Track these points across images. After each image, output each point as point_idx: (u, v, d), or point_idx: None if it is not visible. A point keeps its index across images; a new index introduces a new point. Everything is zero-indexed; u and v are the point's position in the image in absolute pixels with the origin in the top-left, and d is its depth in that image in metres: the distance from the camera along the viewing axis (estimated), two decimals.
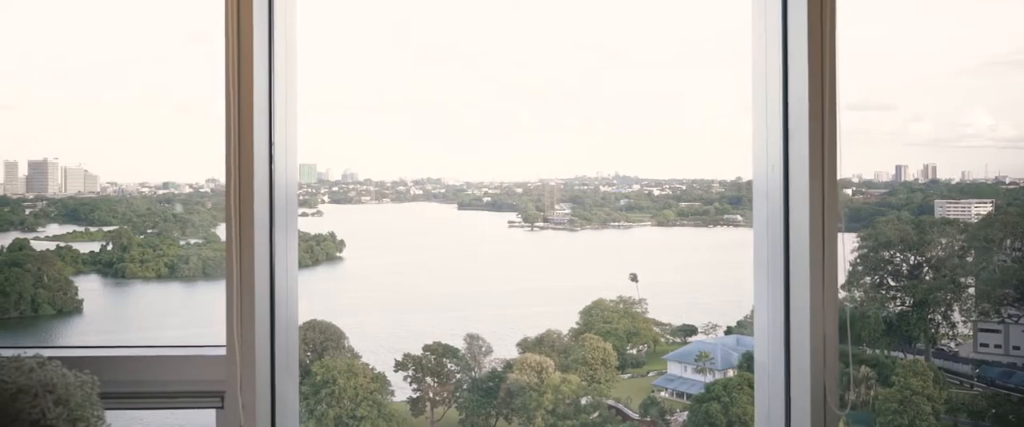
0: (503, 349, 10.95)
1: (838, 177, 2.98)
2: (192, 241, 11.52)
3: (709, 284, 11.52)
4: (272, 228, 2.86)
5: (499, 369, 10.59)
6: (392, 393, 10.42)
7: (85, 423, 1.70)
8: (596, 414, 10.55)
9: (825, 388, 2.60)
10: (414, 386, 10.49)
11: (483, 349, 10.84)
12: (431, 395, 10.65)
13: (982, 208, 10.06)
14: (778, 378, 2.78)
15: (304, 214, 13.28)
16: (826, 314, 2.66)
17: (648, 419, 10.48)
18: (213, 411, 2.48)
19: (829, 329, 2.66)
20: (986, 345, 9.60)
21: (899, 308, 10.10)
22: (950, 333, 9.91)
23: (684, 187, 12.89)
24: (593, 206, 13.17)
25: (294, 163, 3.01)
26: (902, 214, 10.32)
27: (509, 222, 13.38)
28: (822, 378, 2.59)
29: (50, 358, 1.88)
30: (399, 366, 10.65)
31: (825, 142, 2.80)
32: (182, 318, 10.02)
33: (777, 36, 3.09)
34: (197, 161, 11.97)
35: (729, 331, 11.04)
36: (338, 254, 12.39)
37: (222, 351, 2.50)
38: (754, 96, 3.14)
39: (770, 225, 3.02)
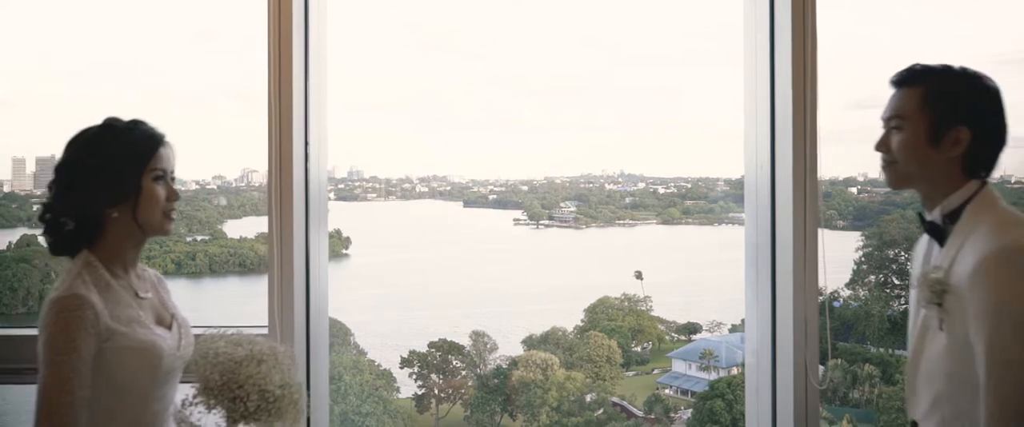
0: (508, 346, 10.97)
1: (819, 176, 2.98)
2: (198, 238, 11.55)
3: (713, 282, 11.53)
4: (307, 220, 2.96)
5: (504, 366, 10.62)
6: (397, 390, 10.45)
7: (296, 385, 1.92)
8: (601, 411, 10.57)
9: (806, 365, 2.72)
10: (419, 383, 10.52)
11: (488, 346, 10.87)
12: (436, 392, 10.69)
13: None
14: (765, 357, 2.89)
15: None
16: (808, 300, 2.77)
17: (652, 417, 10.50)
18: None
19: (810, 314, 2.77)
20: None
21: (904, 307, 10.10)
22: None
23: (689, 185, 12.90)
24: (598, 204, 13.18)
25: (326, 160, 3.07)
26: (907, 213, 10.33)
27: (514, 220, 13.39)
28: (804, 357, 2.73)
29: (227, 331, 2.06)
30: (404, 363, 10.67)
31: (807, 141, 2.84)
32: (190, 316, 10.00)
33: (765, 36, 3.10)
34: (204, 158, 12.01)
35: (733, 329, 11.05)
36: (344, 251, 12.41)
37: (264, 330, 2.59)
38: (745, 95, 3.16)
39: (759, 221, 3.08)
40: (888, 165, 2.00)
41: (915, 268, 1.95)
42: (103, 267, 1.86)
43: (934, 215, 1.94)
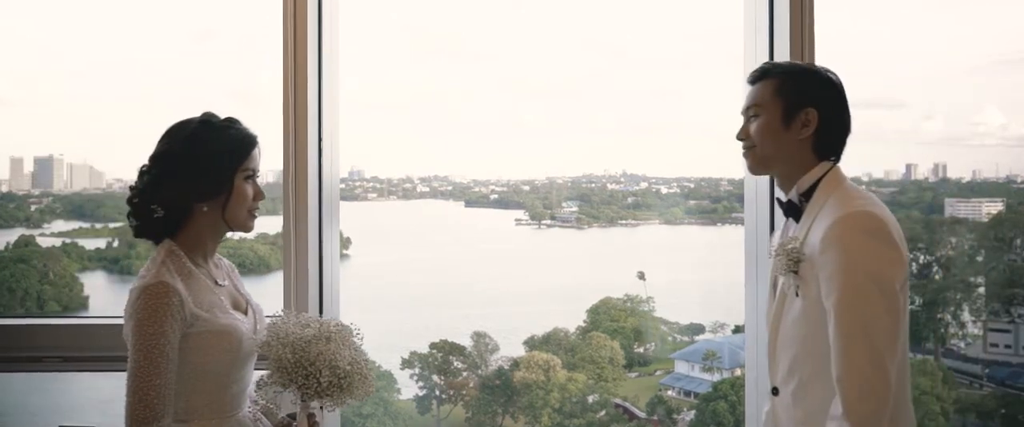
0: (510, 347, 10.93)
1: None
2: None
3: (717, 282, 11.47)
4: (320, 217, 3.00)
5: (506, 367, 10.57)
6: (398, 391, 10.41)
7: (363, 362, 2.06)
8: (603, 413, 10.52)
9: None
10: (421, 384, 10.48)
11: (490, 347, 10.82)
12: (438, 393, 10.64)
13: (993, 207, 10.01)
14: (765, 356, 2.97)
15: None
16: None
17: (655, 418, 10.45)
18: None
19: None
20: (996, 345, 9.54)
21: (909, 308, 10.05)
22: (960, 333, 9.85)
23: (692, 185, 12.83)
24: (600, 204, 13.13)
25: (338, 159, 3.09)
26: (912, 213, 10.26)
27: (516, 220, 13.34)
28: None
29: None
30: (405, 364, 10.63)
31: None
32: None
33: (764, 39, 3.15)
34: None
35: (736, 330, 10.99)
36: (345, 251, 12.36)
37: (280, 316, 2.61)
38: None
39: (758, 222, 3.14)
40: (749, 151, 2.22)
41: (773, 246, 2.09)
42: (185, 256, 1.94)
43: (791, 195, 2.13)
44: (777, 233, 2.21)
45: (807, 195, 2.08)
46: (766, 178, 3.05)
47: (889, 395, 1.87)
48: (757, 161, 2.19)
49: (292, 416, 2.17)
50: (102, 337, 3.07)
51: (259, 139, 2.12)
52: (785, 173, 2.13)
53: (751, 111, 2.18)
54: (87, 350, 2.96)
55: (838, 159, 2.14)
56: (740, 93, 3.45)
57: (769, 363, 2.18)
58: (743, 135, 2.20)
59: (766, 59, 3.02)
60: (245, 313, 2.09)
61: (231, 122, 2.07)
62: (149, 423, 1.79)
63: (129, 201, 2.00)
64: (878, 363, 1.85)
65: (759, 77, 2.18)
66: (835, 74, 2.14)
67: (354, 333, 2.13)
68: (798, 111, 2.10)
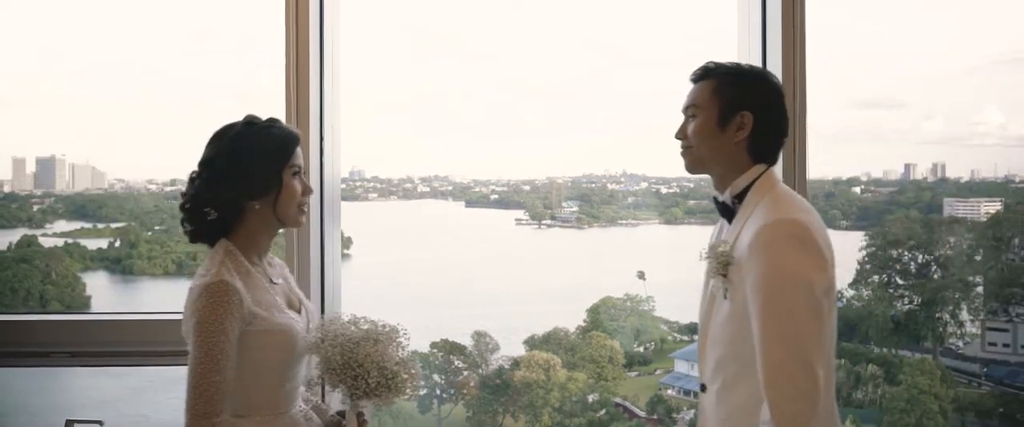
0: (510, 346, 10.95)
1: (823, 176, 3.14)
2: None
3: None
4: (322, 216, 3.03)
5: (506, 366, 10.60)
6: None
7: (412, 361, 2.10)
8: (603, 412, 10.55)
9: None
10: (421, 383, 10.50)
11: (490, 346, 10.85)
12: (438, 392, 10.67)
13: (991, 207, 10.03)
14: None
15: None
16: None
17: (655, 417, 10.47)
18: None
19: None
20: (994, 344, 9.57)
21: (907, 307, 10.07)
22: (958, 332, 9.88)
23: (692, 185, 12.85)
24: (600, 204, 13.15)
25: (339, 160, 3.13)
26: (911, 212, 10.29)
27: (516, 220, 13.37)
28: None
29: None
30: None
31: (796, 142, 2.95)
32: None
33: (758, 41, 3.18)
34: None
35: None
36: (345, 251, 12.35)
37: None
38: None
39: None
40: (686, 150, 2.26)
41: (709, 245, 2.11)
42: (242, 255, 2.01)
43: (725, 196, 2.14)
44: (714, 232, 2.24)
45: (740, 197, 2.11)
46: None
47: (819, 397, 1.89)
48: (693, 161, 2.23)
49: (341, 414, 2.22)
50: (108, 333, 3.11)
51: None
52: (720, 174, 2.14)
53: (689, 111, 2.21)
54: (93, 345, 3.00)
55: (774, 161, 2.18)
56: None
57: (699, 361, 2.22)
58: (681, 135, 2.24)
59: (759, 58, 3.05)
60: (298, 312, 2.15)
61: (273, 122, 2.15)
62: (208, 418, 1.85)
63: (182, 207, 2.07)
64: (805, 366, 1.88)
65: (700, 77, 2.21)
66: (776, 79, 2.18)
67: (401, 334, 2.17)
68: (734, 114, 2.12)
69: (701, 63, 2.20)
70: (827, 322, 1.93)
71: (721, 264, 2.05)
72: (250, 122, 2.09)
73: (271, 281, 2.08)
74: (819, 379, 1.87)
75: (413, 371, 2.05)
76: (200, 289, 1.90)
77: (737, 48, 3.13)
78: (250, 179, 2.02)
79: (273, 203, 2.05)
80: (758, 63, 3.07)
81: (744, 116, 2.11)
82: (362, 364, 1.98)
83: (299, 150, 2.10)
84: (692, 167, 2.21)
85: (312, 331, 2.10)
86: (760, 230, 1.96)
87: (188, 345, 1.90)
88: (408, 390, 2.04)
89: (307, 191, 2.13)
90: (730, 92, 2.13)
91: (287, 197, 2.07)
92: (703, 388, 2.17)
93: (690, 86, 2.20)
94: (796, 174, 2.80)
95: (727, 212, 2.14)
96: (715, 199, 2.21)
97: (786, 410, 1.83)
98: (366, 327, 2.07)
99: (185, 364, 2.01)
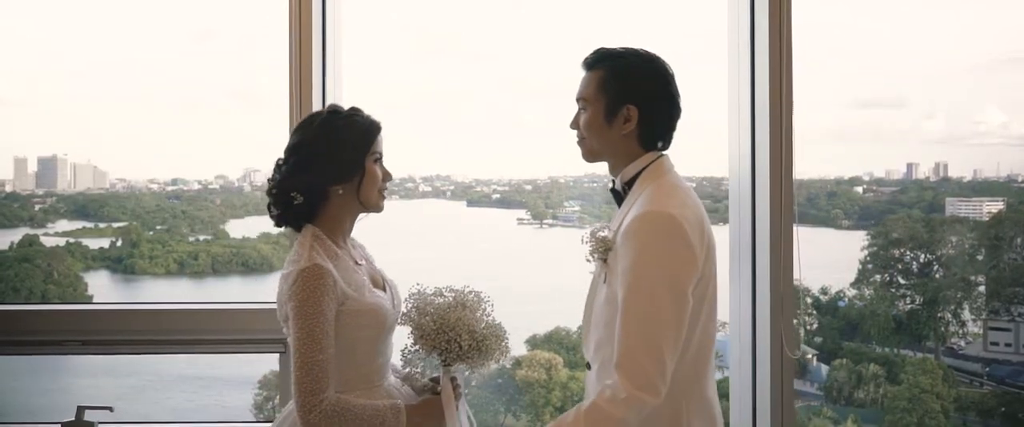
0: (512, 345, 10.93)
1: (795, 176, 3.20)
2: (201, 238, 11.53)
3: (720, 280, 11.48)
4: None
5: (508, 365, 10.59)
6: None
7: (499, 325, 2.28)
8: None
9: (782, 336, 2.92)
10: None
11: None
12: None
13: (993, 206, 10.01)
14: (747, 333, 3.07)
15: None
16: (784, 287, 2.95)
17: None
18: (276, 356, 2.79)
19: (785, 298, 2.95)
20: (996, 344, 9.55)
21: (909, 306, 10.05)
22: (960, 332, 9.86)
23: (693, 184, 12.79)
24: (602, 203, 13.15)
25: None
26: (913, 212, 10.27)
27: (518, 219, 13.37)
28: (780, 330, 2.91)
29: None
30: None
31: (783, 143, 2.99)
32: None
33: (746, 41, 3.22)
34: (205, 158, 11.98)
35: None
36: None
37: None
38: (728, 98, 3.32)
39: (741, 221, 3.23)
40: (581, 141, 2.30)
41: (590, 230, 2.20)
42: (328, 239, 2.08)
43: (616, 183, 2.19)
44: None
45: (630, 184, 2.16)
46: (748, 179, 3.12)
47: (662, 386, 1.89)
48: (587, 152, 2.29)
49: (435, 380, 2.34)
50: (111, 321, 3.21)
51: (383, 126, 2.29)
52: (612, 164, 2.18)
53: (580, 103, 2.26)
54: (102, 334, 3.11)
55: (667, 145, 2.20)
56: (736, 96, 3.48)
57: (583, 340, 2.31)
58: (574, 126, 2.29)
59: (747, 60, 3.07)
60: (384, 290, 2.26)
61: (355, 111, 2.26)
62: (317, 394, 1.93)
63: (269, 192, 2.17)
64: (656, 354, 1.93)
65: (590, 65, 2.25)
66: (664, 64, 2.20)
67: (486, 300, 2.32)
68: (619, 108, 2.17)
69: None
70: (690, 315, 1.95)
71: (603, 249, 2.11)
72: (334, 110, 2.21)
73: (356, 263, 2.17)
74: (666, 369, 1.92)
75: (501, 334, 2.18)
76: (296, 274, 1.98)
77: (727, 50, 3.16)
78: (336, 165, 2.12)
79: (357, 188, 2.15)
80: (747, 64, 3.11)
81: (630, 110, 2.15)
82: (454, 327, 2.11)
83: (380, 137, 2.21)
84: (587, 157, 2.28)
85: (397, 306, 2.22)
86: (634, 220, 2.01)
87: (285, 330, 1.99)
88: (498, 352, 2.16)
89: (387, 177, 2.23)
90: (615, 86, 2.17)
91: (370, 182, 2.17)
92: (588, 366, 2.24)
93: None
94: (783, 175, 2.83)
95: (619, 198, 2.18)
96: (611, 186, 2.27)
97: (631, 394, 1.85)
98: (451, 296, 2.20)
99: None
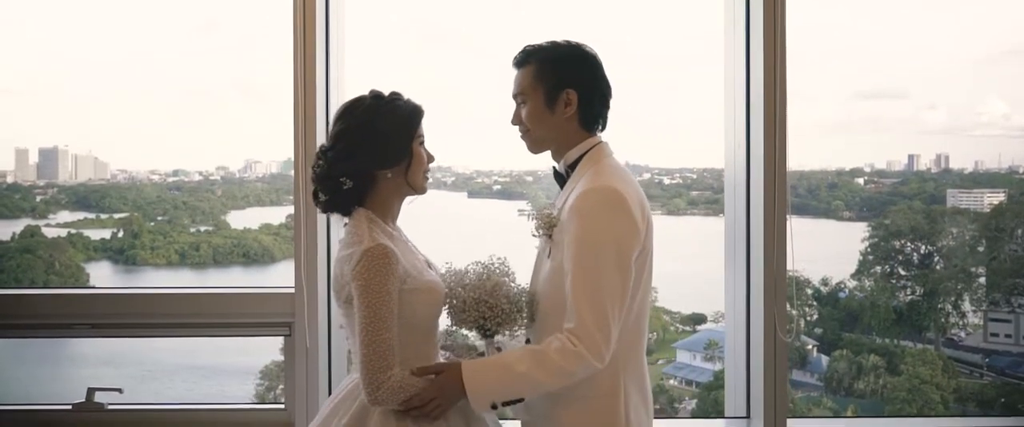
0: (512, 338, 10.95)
1: (796, 168, 3.26)
2: (202, 228, 11.54)
3: (719, 272, 11.51)
4: None
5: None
6: None
7: (524, 290, 2.43)
8: None
9: (776, 322, 3.00)
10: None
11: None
12: None
13: (994, 197, 10.02)
14: (741, 321, 3.14)
15: None
16: (777, 273, 3.03)
17: (657, 406, 10.49)
18: (281, 338, 2.88)
19: (779, 283, 3.04)
20: (996, 335, 9.57)
21: (909, 297, 10.07)
22: (960, 323, 9.88)
23: (694, 176, 12.83)
24: None
25: None
26: (914, 203, 10.28)
27: (519, 210, 13.38)
28: (773, 315, 2.99)
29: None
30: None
31: (777, 135, 3.05)
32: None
33: (742, 38, 3.27)
34: (206, 149, 11.99)
35: None
36: None
37: (291, 290, 2.86)
38: (725, 93, 3.37)
39: (736, 213, 3.29)
40: (524, 134, 2.45)
41: (535, 209, 2.38)
42: (380, 221, 2.15)
43: (560, 166, 2.41)
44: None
45: (573, 166, 2.29)
46: (743, 171, 3.18)
47: (607, 351, 2.09)
48: (533, 143, 2.43)
49: (480, 355, 2.45)
50: (113, 304, 3.33)
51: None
52: (557, 149, 2.37)
53: (519, 98, 2.39)
54: (108, 317, 3.24)
55: (604, 126, 2.37)
56: (732, 90, 3.50)
57: (528, 313, 2.46)
58: (516, 121, 2.42)
59: (743, 57, 3.13)
60: (430, 269, 2.44)
61: (397, 96, 2.32)
62: (383, 372, 2.01)
63: (316, 179, 2.21)
64: (602, 320, 2.09)
65: (520, 63, 2.37)
66: (590, 48, 2.33)
67: (508, 265, 2.45)
68: (559, 93, 2.32)
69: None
70: (635, 282, 2.17)
71: (548, 226, 2.24)
72: (378, 95, 2.26)
73: (406, 244, 2.26)
74: (611, 334, 2.08)
75: (527, 298, 2.26)
76: (359, 254, 2.04)
77: (724, 48, 3.19)
78: (384, 149, 2.17)
79: (405, 171, 2.22)
80: (742, 61, 3.16)
81: (569, 94, 2.28)
82: (492, 293, 2.19)
83: (423, 121, 2.29)
84: (533, 148, 2.40)
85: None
86: (579, 196, 2.14)
87: (341, 311, 2.06)
88: (526, 317, 2.26)
89: (431, 159, 2.30)
90: (550, 74, 2.30)
91: (417, 165, 2.24)
92: (528, 341, 2.36)
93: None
94: (776, 165, 2.86)
95: (562, 181, 2.35)
96: (554, 170, 2.46)
97: (579, 351, 2.03)
98: (480, 266, 2.31)
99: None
